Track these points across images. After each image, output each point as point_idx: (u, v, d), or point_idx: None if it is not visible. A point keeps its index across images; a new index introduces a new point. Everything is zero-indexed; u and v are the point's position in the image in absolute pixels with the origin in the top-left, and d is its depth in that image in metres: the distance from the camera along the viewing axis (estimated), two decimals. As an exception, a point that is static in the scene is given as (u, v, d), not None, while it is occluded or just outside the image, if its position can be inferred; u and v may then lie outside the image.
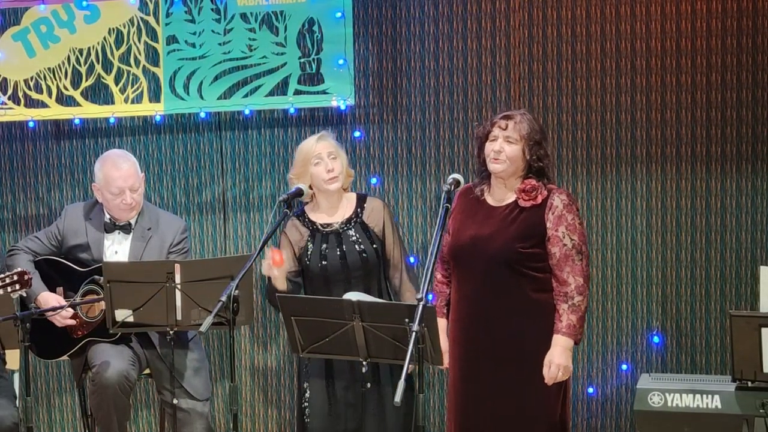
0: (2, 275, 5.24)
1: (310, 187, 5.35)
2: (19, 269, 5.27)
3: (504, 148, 4.90)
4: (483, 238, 4.90)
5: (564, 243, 4.84)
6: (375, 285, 5.32)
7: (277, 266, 5.19)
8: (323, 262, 5.28)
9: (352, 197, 5.43)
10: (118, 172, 5.55)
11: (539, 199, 4.90)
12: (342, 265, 5.27)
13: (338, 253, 5.28)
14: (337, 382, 5.28)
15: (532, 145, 4.91)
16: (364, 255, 5.29)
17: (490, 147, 4.93)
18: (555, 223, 4.86)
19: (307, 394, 5.33)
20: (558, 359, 4.80)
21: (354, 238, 5.31)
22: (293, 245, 5.36)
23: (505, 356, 4.87)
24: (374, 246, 5.32)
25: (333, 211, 5.38)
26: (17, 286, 5.21)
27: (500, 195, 4.98)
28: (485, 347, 4.90)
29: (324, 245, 5.30)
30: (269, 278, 5.27)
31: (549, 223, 4.87)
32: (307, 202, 5.42)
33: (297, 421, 5.43)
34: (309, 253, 5.32)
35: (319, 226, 5.35)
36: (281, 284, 5.24)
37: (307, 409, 5.32)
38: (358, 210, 5.38)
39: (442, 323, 5.06)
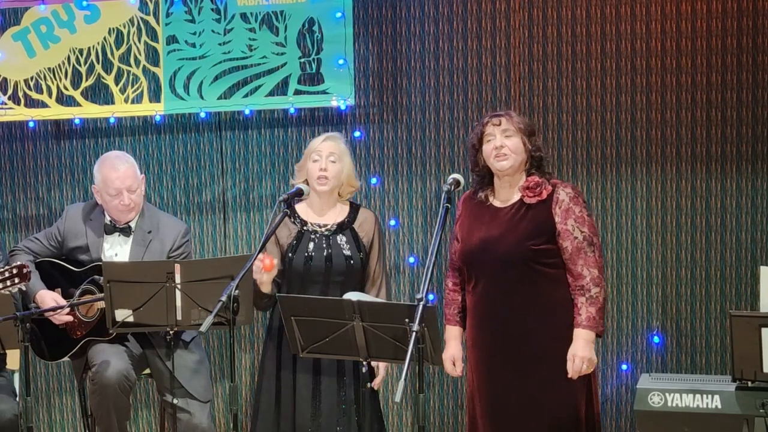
0: (1, 269, 5.24)
1: (306, 182, 5.35)
2: (19, 263, 5.27)
3: (505, 142, 4.91)
4: (493, 240, 4.89)
5: (575, 236, 4.84)
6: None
7: (267, 271, 5.17)
8: (308, 262, 5.26)
9: (345, 204, 5.39)
10: (116, 173, 5.55)
11: (544, 195, 4.89)
12: (326, 267, 5.24)
13: (325, 254, 5.26)
14: (298, 376, 5.26)
15: (528, 135, 4.92)
16: (350, 261, 5.26)
17: (489, 147, 4.93)
18: (563, 217, 4.86)
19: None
20: (581, 352, 4.79)
21: (343, 243, 5.29)
22: (280, 243, 5.35)
23: (524, 355, 4.86)
24: (360, 255, 5.29)
25: (323, 212, 5.34)
26: (16, 280, 5.21)
27: (505, 195, 4.97)
28: (504, 348, 4.89)
29: (311, 245, 5.28)
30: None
31: (557, 217, 4.86)
32: (300, 200, 5.40)
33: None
34: (295, 250, 5.30)
35: (309, 225, 5.33)
36: (266, 288, 5.22)
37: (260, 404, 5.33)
38: (351, 217, 5.35)
39: (454, 331, 5.06)
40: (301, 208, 5.38)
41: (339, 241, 5.29)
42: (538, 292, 4.86)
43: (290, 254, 5.29)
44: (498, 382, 4.91)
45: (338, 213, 5.35)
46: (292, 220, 5.35)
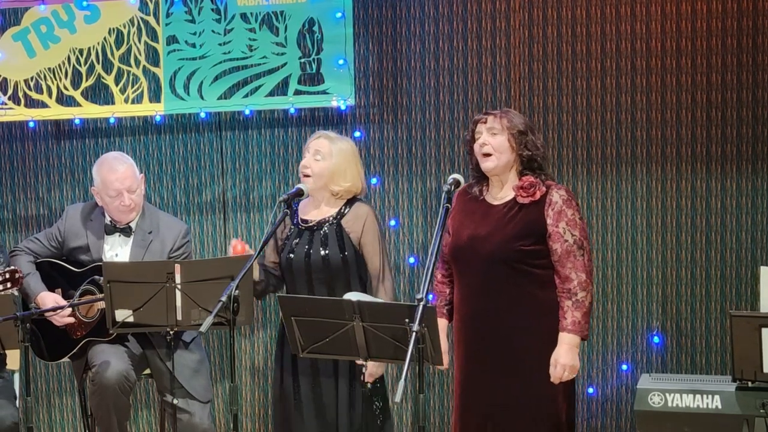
0: None
1: None
2: (11, 267, 5.27)
3: (489, 140, 4.91)
4: (481, 237, 4.89)
5: (565, 239, 4.83)
6: (340, 290, 5.17)
7: (236, 254, 5.20)
8: (290, 257, 5.25)
9: (342, 200, 5.33)
10: (115, 175, 5.55)
11: (537, 196, 4.89)
12: (305, 263, 5.22)
13: (304, 250, 5.25)
14: (301, 378, 5.27)
15: (516, 134, 4.90)
16: (326, 258, 5.22)
17: (477, 145, 4.94)
18: (555, 219, 4.85)
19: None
20: (564, 359, 4.78)
21: (323, 239, 5.26)
22: (277, 236, 5.35)
23: (507, 355, 4.86)
24: (344, 252, 5.23)
25: (316, 209, 5.33)
26: (8, 284, 5.20)
27: (498, 193, 4.98)
28: (488, 346, 4.90)
29: (296, 241, 5.28)
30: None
31: (549, 219, 4.86)
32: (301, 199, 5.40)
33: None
34: (283, 247, 5.30)
35: (300, 222, 5.33)
36: (255, 272, 5.23)
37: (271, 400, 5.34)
38: (340, 213, 5.29)
39: (441, 323, 5.06)
40: (301, 205, 5.38)
41: (320, 238, 5.26)
42: (524, 292, 4.85)
43: (280, 252, 5.30)
44: (479, 380, 4.92)
45: (331, 209, 5.32)
46: (291, 216, 5.35)
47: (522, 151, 4.90)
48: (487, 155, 4.91)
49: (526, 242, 4.84)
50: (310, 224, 5.28)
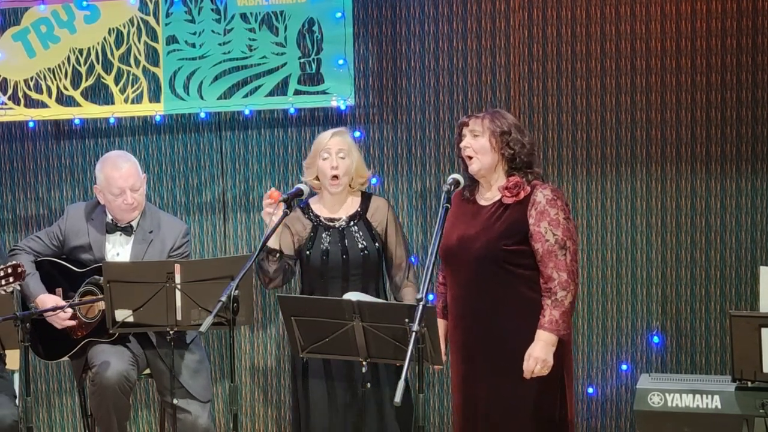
0: None
1: (317, 178, 5.35)
2: (13, 262, 5.26)
3: (471, 143, 4.94)
4: (469, 238, 4.91)
5: (546, 239, 4.84)
6: (372, 284, 5.29)
7: (275, 200, 5.14)
8: (325, 257, 5.27)
9: (357, 196, 5.41)
10: (118, 172, 5.56)
11: (521, 196, 4.90)
12: (343, 261, 5.26)
13: (340, 248, 5.27)
14: (336, 383, 5.27)
15: (498, 134, 4.92)
16: (365, 252, 5.27)
17: (461, 148, 4.99)
18: (537, 219, 4.86)
19: (309, 394, 5.31)
20: (536, 353, 4.79)
21: (357, 235, 5.30)
22: (294, 235, 5.35)
23: (498, 354, 4.87)
24: (376, 245, 5.31)
25: (337, 207, 5.37)
26: (11, 279, 5.18)
27: (487, 194, 5.00)
28: (479, 346, 4.91)
29: (327, 240, 5.30)
30: (263, 244, 5.17)
31: (531, 219, 4.87)
32: (311, 195, 5.39)
33: (295, 421, 5.41)
34: (311, 246, 5.31)
35: (323, 220, 5.35)
36: (275, 240, 5.19)
37: (309, 409, 5.31)
38: (363, 208, 5.36)
39: (441, 324, 5.07)
40: (314, 203, 5.39)
41: (353, 234, 5.30)
42: (511, 292, 4.86)
43: (307, 250, 5.30)
44: (471, 380, 4.94)
45: (350, 205, 5.37)
46: (306, 215, 5.36)
47: (504, 151, 4.92)
48: (469, 158, 4.95)
49: (509, 242, 4.86)
50: (338, 223, 5.31)
